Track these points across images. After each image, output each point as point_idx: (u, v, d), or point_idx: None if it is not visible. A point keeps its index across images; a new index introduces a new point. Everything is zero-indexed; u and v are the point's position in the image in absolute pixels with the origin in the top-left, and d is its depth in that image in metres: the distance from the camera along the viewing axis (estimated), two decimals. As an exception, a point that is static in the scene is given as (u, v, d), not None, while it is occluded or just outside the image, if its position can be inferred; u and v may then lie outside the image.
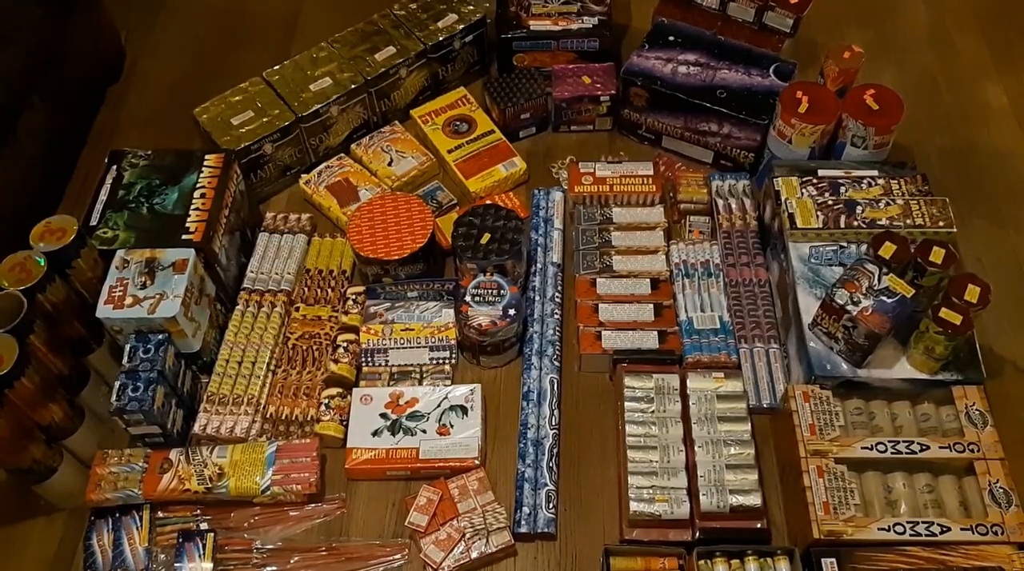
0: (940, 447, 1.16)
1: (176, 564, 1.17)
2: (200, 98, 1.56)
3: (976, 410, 1.19)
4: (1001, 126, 1.66)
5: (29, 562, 1.23)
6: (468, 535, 1.19)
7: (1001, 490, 1.12)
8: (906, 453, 1.16)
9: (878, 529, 1.10)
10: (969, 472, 1.16)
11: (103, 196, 1.36)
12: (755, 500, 1.15)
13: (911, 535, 1.10)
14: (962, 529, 1.10)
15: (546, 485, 1.24)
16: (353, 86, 1.57)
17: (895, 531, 1.10)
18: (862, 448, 1.16)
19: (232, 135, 1.50)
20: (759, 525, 1.17)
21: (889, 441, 1.17)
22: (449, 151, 1.60)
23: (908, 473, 1.17)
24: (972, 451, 1.16)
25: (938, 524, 1.11)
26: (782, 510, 1.23)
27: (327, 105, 1.55)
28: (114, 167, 1.40)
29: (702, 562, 1.12)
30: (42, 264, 1.19)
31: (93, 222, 1.33)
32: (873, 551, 1.09)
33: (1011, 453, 1.16)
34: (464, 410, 1.29)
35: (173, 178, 1.38)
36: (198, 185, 1.37)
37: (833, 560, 1.09)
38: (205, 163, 1.40)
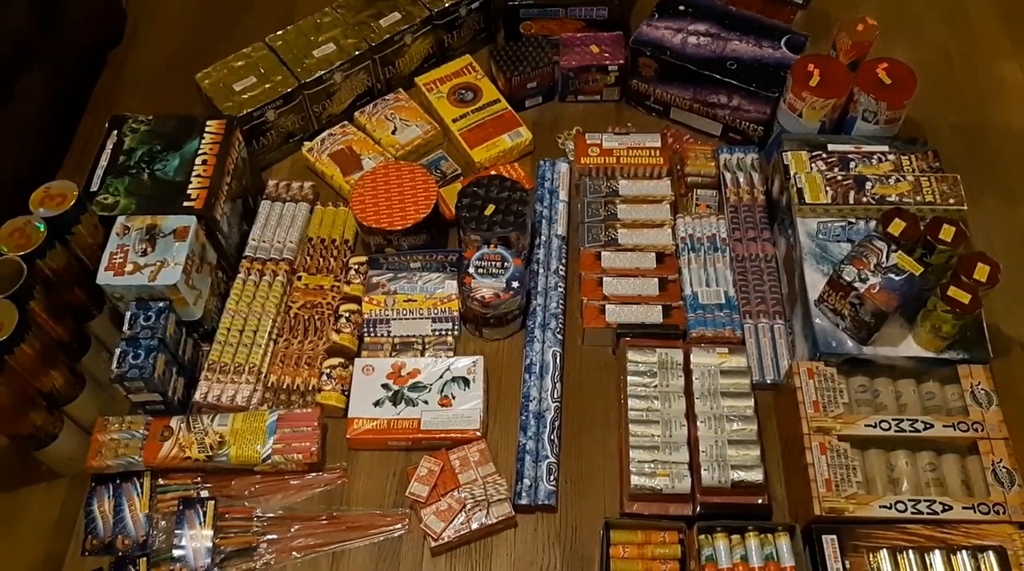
0: (944, 426, 1.16)
1: (177, 531, 1.18)
2: (202, 63, 1.55)
3: (981, 389, 1.18)
4: (1016, 103, 1.64)
5: (30, 528, 1.24)
6: (469, 506, 1.19)
7: (1004, 470, 1.12)
8: (910, 431, 1.15)
9: (879, 506, 1.10)
10: (972, 451, 1.15)
11: (103, 162, 1.35)
12: (757, 476, 1.15)
13: (912, 513, 1.10)
14: (964, 508, 1.10)
15: (547, 458, 1.24)
16: (357, 52, 1.54)
17: (896, 509, 1.10)
18: (866, 426, 1.16)
19: (234, 101, 1.49)
20: (760, 501, 1.16)
21: (893, 419, 1.16)
22: (454, 120, 1.58)
23: (911, 451, 1.16)
24: (976, 430, 1.15)
25: (940, 502, 1.10)
26: (784, 486, 1.23)
27: (330, 72, 1.53)
28: (115, 132, 1.39)
29: (702, 537, 1.12)
30: (42, 230, 1.18)
31: (93, 188, 1.32)
32: (874, 528, 1.09)
33: (1015, 433, 1.15)
34: (466, 382, 1.29)
35: (174, 144, 1.37)
36: (199, 151, 1.35)
37: (834, 537, 1.08)
38: (207, 129, 1.38)
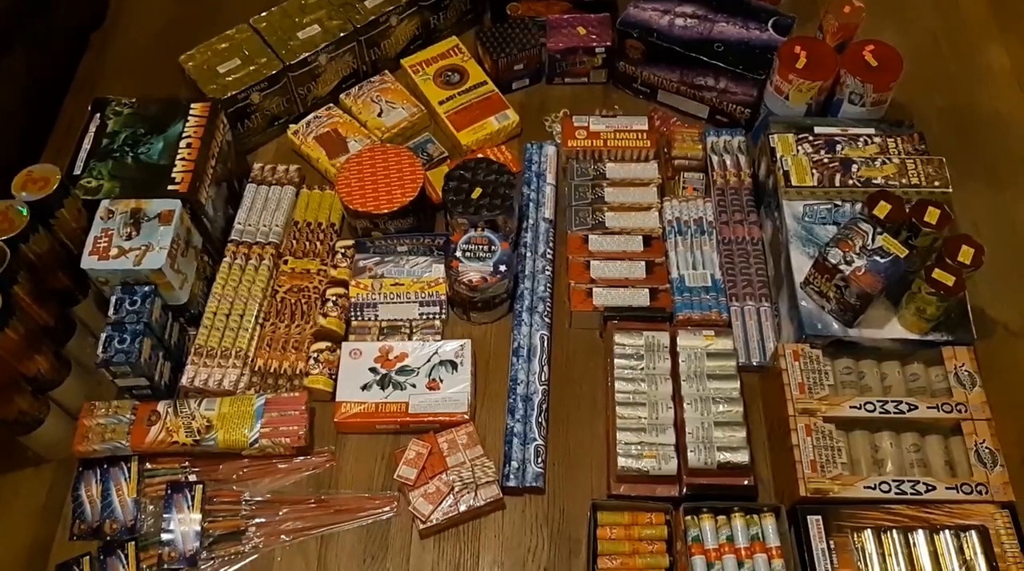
0: (928, 407, 1.17)
1: (165, 515, 1.18)
2: (186, 45, 1.53)
3: (965, 371, 1.19)
4: (1002, 87, 1.64)
5: (18, 512, 1.23)
6: (457, 489, 1.19)
7: (987, 450, 1.13)
8: (894, 413, 1.16)
9: (864, 487, 1.11)
10: (956, 432, 1.16)
11: (87, 145, 1.34)
12: (743, 457, 1.16)
13: (896, 493, 1.11)
14: (947, 488, 1.11)
15: (535, 440, 1.24)
16: (342, 34, 1.53)
17: (881, 489, 1.11)
18: (851, 407, 1.17)
19: (218, 84, 1.47)
20: (746, 482, 1.17)
21: (878, 401, 1.17)
22: (440, 102, 1.57)
23: (895, 432, 1.17)
24: (960, 411, 1.16)
25: (923, 483, 1.11)
26: (769, 467, 1.23)
27: (316, 53, 1.52)
28: (97, 115, 1.37)
29: (689, 518, 1.13)
30: (24, 214, 1.17)
31: (77, 171, 1.31)
32: (858, 508, 1.10)
33: (998, 414, 1.16)
34: (454, 365, 1.29)
35: (158, 127, 1.35)
36: (184, 134, 1.34)
37: (819, 517, 1.10)
38: (191, 112, 1.37)
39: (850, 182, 1.31)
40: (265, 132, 1.57)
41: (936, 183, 1.30)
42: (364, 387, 1.27)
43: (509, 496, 1.22)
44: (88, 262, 1.22)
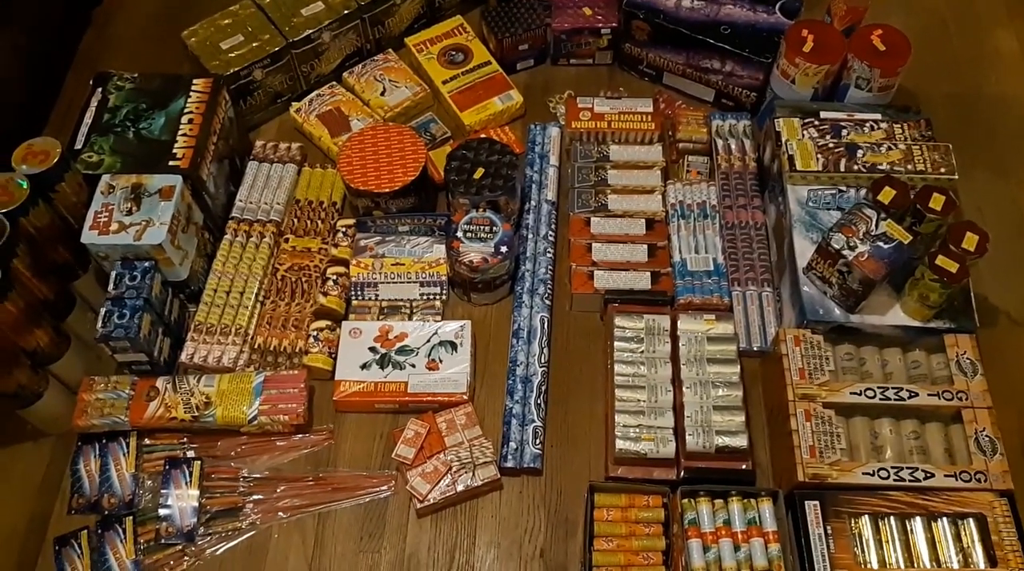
0: (929, 394, 1.16)
1: (163, 491, 1.18)
2: (188, 20, 1.52)
3: (967, 359, 1.18)
4: (1010, 73, 1.63)
5: (17, 486, 1.24)
6: (454, 468, 1.19)
7: (987, 438, 1.13)
8: (895, 399, 1.16)
9: (862, 473, 1.11)
10: (956, 420, 1.16)
11: (88, 119, 1.33)
12: (741, 441, 1.16)
13: (895, 480, 1.10)
14: (946, 475, 1.11)
15: (533, 421, 1.24)
16: (346, 11, 1.52)
17: (879, 476, 1.11)
18: (851, 393, 1.16)
19: (221, 60, 1.46)
20: (744, 466, 1.17)
21: (878, 387, 1.16)
22: (444, 82, 1.56)
23: (895, 419, 1.17)
24: (960, 399, 1.16)
25: (922, 470, 1.11)
26: (768, 452, 1.23)
27: (319, 31, 1.50)
28: (99, 90, 1.36)
29: (686, 501, 1.13)
30: (24, 187, 1.16)
31: (78, 146, 1.30)
32: (856, 495, 1.10)
33: (999, 402, 1.16)
34: (454, 346, 1.29)
35: (160, 103, 1.35)
36: (186, 110, 1.33)
37: (816, 503, 1.09)
38: (193, 88, 1.36)
39: (855, 167, 1.30)
40: (267, 109, 1.56)
41: (942, 170, 1.29)
42: (363, 366, 1.27)
43: (507, 477, 1.22)
44: (88, 236, 1.22)
